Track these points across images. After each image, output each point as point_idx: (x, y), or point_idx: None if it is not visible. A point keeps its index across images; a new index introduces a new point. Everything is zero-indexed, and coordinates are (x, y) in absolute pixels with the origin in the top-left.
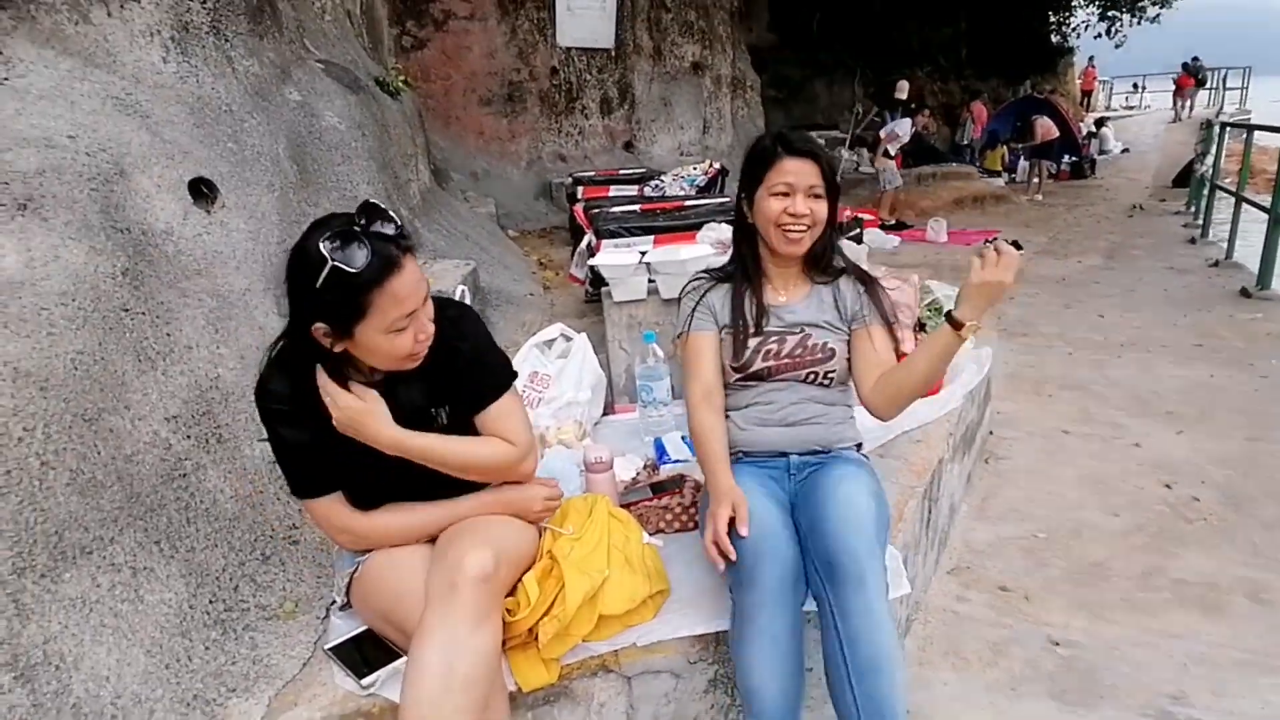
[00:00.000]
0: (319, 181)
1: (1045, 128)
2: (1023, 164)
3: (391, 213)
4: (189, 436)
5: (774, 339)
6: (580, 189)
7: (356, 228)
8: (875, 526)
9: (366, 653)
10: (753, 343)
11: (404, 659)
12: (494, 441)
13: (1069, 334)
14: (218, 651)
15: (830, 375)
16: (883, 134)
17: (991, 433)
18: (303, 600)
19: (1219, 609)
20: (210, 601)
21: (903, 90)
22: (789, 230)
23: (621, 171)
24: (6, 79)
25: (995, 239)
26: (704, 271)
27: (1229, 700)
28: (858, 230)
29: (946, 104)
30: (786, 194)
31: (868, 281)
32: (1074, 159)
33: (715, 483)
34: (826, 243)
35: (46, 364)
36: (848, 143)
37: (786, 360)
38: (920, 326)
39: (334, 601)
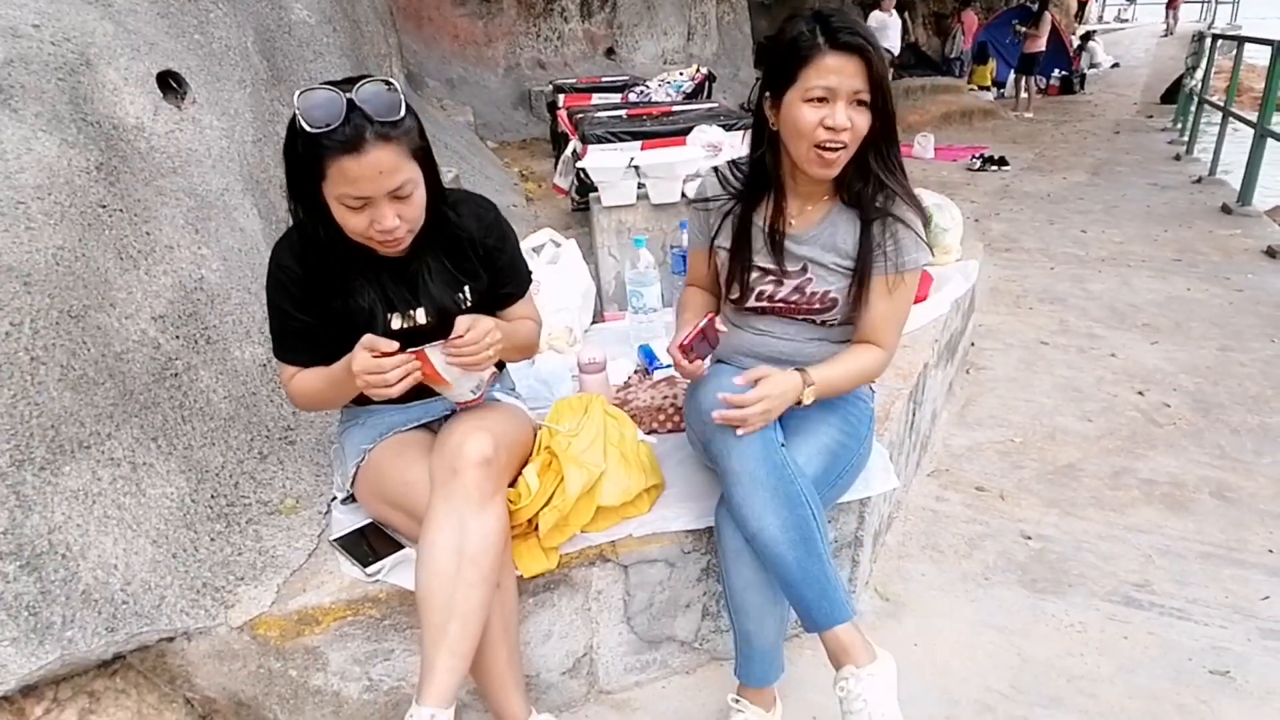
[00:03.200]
0: (291, 79)
1: (1037, 35)
2: (1011, 78)
3: (397, 95)
4: (178, 337)
5: (769, 279)
6: (561, 97)
7: (343, 91)
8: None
9: (370, 543)
10: (745, 277)
11: (407, 549)
12: (527, 322)
13: (1051, 249)
14: (223, 543)
15: (831, 322)
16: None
17: (973, 344)
18: (303, 497)
19: (1184, 506)
20: (212, 497)
21: None
22: (825, 148)
23: (604, 79)
24: None
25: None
26: (724, 173)
27: (1192, 589)
28: None
29: (938, 13)
30: (825, 99)
31: (896, 224)
32: (1064, 73)
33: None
34: (870, 169)
35: (28, 259)
36: None
37: (780, 304)
38: None
39: (334, 497)
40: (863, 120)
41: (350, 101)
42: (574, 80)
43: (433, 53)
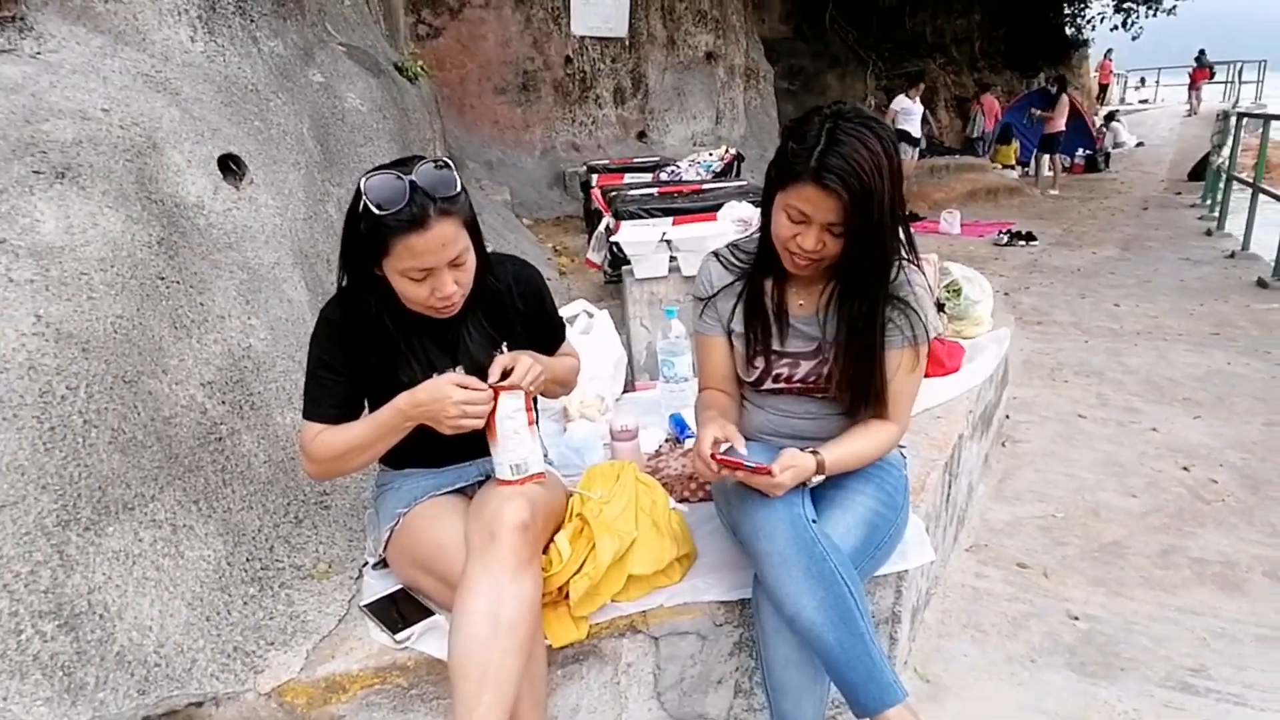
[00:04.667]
0: (342, 162)
1: (1053, 118)
2: (1034, 157)
3: (452, 173)
4: (224, 402)
5: (785, 362)
6: (595, 177)
7: (403, 174)
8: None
9: (400, 610)
10: (760, 362)
11: (437, 616)
12: (566, 358)
13: (1084, 322)
14: (256, 607)
15: None
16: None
17: (1008, 416)
18: (335, 562)
19: (1238, 586)
20: (247, 560)
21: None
22: (795, 258)
23: (636, 160)
24: (39, 53)
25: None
26: (725, 256)
27: (1250, 674)
28: None
29: (959, 96)
30: (801, 221)
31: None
32: (1088, 152)
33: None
34: (863, 268)
35: (87, 326)
36: None
37: (799, 385)
38: (939, 307)
39: (366, 562)
40: (835, 244)
41: (412, 183)
42: (607, 161)
43: (473, 137)
